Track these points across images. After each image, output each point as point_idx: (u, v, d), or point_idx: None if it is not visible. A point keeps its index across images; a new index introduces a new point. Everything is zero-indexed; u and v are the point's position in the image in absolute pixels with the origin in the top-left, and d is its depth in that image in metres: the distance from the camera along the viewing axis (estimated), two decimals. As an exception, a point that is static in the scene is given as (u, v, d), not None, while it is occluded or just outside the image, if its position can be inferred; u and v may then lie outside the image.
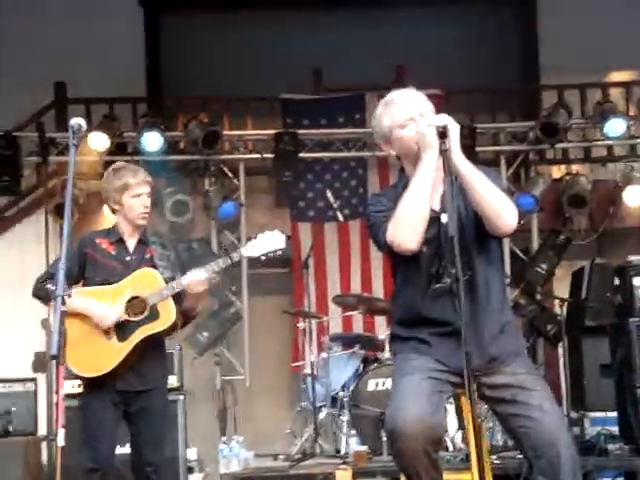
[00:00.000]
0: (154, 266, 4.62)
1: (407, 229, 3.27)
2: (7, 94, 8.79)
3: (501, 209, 3.28)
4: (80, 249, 4.64)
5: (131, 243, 4.70)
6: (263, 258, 4.56)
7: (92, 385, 4.54)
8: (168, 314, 4.52)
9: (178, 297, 4.57)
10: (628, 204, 9.07)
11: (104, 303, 4.52)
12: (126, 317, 4.51)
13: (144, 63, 9.98)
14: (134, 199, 4.63)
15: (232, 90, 9.39)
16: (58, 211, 8.24)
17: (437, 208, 3.30)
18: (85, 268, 4.63)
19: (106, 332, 4.51)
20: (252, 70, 9.69)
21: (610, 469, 6.39)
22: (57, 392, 3.06)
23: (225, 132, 8.86)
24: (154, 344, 4.60)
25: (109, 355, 4.49)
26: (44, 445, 7.04)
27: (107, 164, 8.60)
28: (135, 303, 4.53)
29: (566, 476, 3.18)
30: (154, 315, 4.51)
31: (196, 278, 4.46)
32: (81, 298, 4.49)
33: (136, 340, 4.49)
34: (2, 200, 9.05)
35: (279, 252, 4.57)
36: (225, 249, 4.66)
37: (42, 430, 7.17)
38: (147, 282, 4.55)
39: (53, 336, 3.09)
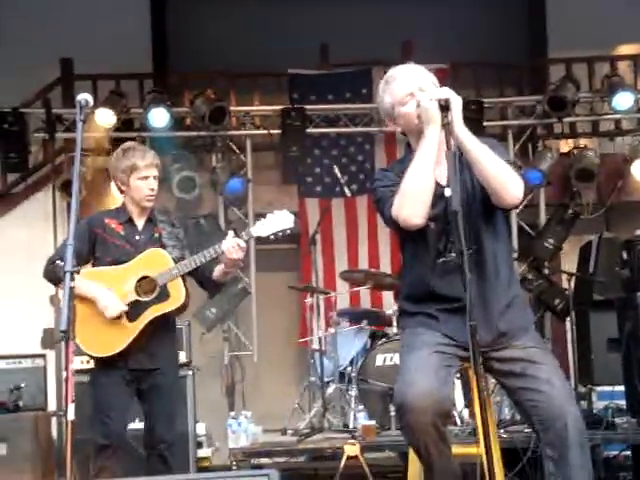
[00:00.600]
0: (163, 245, 4.63)
1: (411, 204, 3.27)
2: (14, 70, 8.79)
3: (506, 181, 3.27)
4: (89, 229, 4.64)
5: (140, 223, 4.71)
6: (272, 237, 4.56)
7: (103, 363, 4.56)
8: (178, 294, 4.54)
9: (199, 275, 4.58)
10: (636, 178, 9.03)
11: (113, 291, 4.52)
12: (136, 297, 4.53)
13: (150, 39, 9.94)
14: (141, 181, 4.63)
15: (239, 66, 9.34)
16: (65, 188, 8.24)
17: (444, 183, 3.29)
18: (95, 248, 4.64)
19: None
20: (259, 45, 9.66)
21: (617, 442, 6.40)
22: (67, 367, 3.07)
23: (232, 108, 8.83)
24: (164, 323, 4.61)
25: (119, 335, 4.51)
26: (54, 420, 7.08)
27: (114, 140, 8.64)
28: (145, 283, 4.54)
29: (573, 448, 3.21)
30: (164, 295, 4.52)
31: (239, 244, 4.41)
32: (90, 283, 4.51)
33: (146, 320, 4.51)
34: (10, 177, 9.06)
35: (288, 232, 4.57)
36: (234, 229, 4.64)
37: (52, 406, 7.22)
38: (157, 262, 4.56)
39: (62, 312, 3.10)
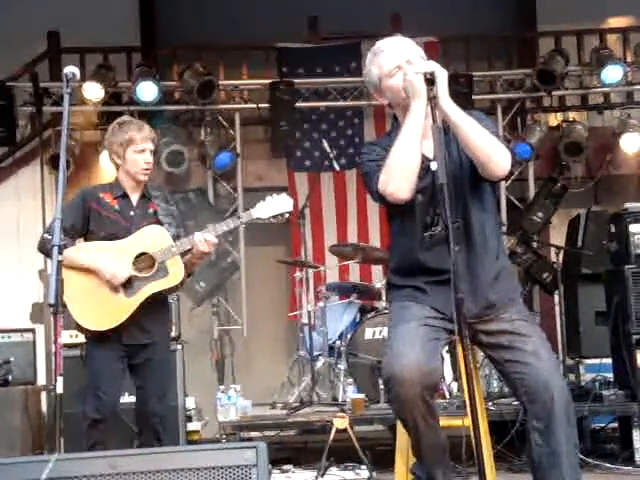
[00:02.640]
0: (158, 221, 4.64)
1: (398, 178, 3.27)
2: (1, 43, 8.70)
3: (493, 153, 3.27)
4: (84, 203, 4.64)
5: (134, 198, 4.70)
6: (272, 220, 4.58)
7: (97, 338, 4.56)
8: (178, 272, 4.55)
9: (183, 254, 4.59)
10: (625, 151, 9.06)
11: (115, 259, 4.52)
12: (134, 273, 4.53)
13: (138, 12, 9.86)
14: (137, 154, 4.62)
15: (227, 39, 9.30)
16: (54, 162, 8.22)
17: (431, 156, 3.28)
18: (89, 222, 4.64)
19: (114, 287, 4.53)
20: (247, 18, 9.58)
21: (604, 414, 6.45)
22: (55, 340, 3.08)
23: (220, 82, 8.80)
24: (158, 300, 4.63)
25: (117, 310, 4.51)
26: (44, 395, 7.09)
27: (102, 115, 8.61)
28: (143, 259, 4.54)
29: (559, 420, 3.22)
30: (163, 272, 4.53)
31: (207, 239, 4.47)
32: (91, 254, 4.51)
33: (144, 296, 4.51)
34: (-2, 151, 9.03)
35: (287, 215, 4.62)
36: (234, 210, 4.68)
37: (41, 380, 7.22)
38: (155, 239, 4.56)
39: (50, 285, 3.10)
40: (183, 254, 4.55)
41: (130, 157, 4.63)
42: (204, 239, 4.47)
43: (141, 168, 4.63)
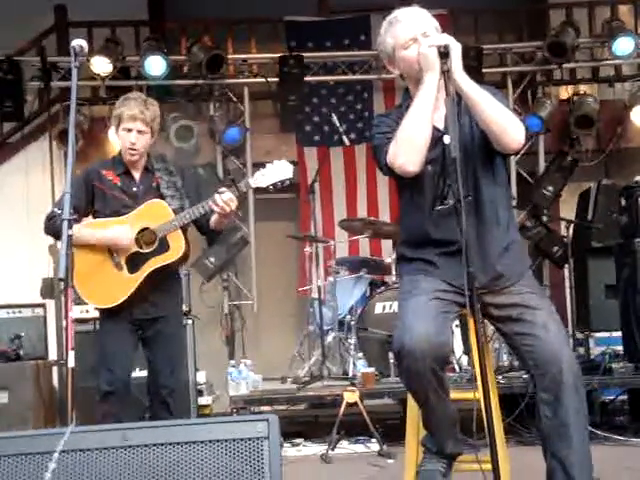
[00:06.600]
0: (161, 195, 4.62)
1: (408, 151, 3.25)
2: (8, 18, 8.67)
3: (507, 125, 3.25)
4: (86, 182, 4.63)
5: (137, 173, 4.69)
6: (271, 188, 4.53)
7: (109, 313, 4.59)
8: (178, 245, 4.54)
9: (199, 222, 4.58)
10: (635, 124, 9.02)
11: (118, 224, 4.53)
12: (137, 249, 4.53)
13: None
14: (124, 132, 4.59)
15: (235, 13, 9.25)
16: (62, 137, 8.21)
17: (441, 127, 3.27)
18: (93, 201, 4.64)
19: (117, 264, 4.54)
20: (255, -8, 9.54)
21: (614, 387, 6.46)
22: (66, 315, 3.08)
23: (229, 56, 8.76)
24: (168, 274, 4.64)
25: (121, 286, 4.53)
26: (55, 370, 7.12)
27: (110, 89, 8.58)
28: (145, 235, 4.55)
29: (568, 393, 3.22)
30: (164, 247, 4.53)
31: (225, 199, 4.36)
32: (92, 229, 4.52)
33: (147, 272, 4.52)
34: (6, 126, 9.01)
35: (287, 182, 4.55)
36: (232, 179, 4.63)
37: (52, 355, 7.25)
38: (156, 213, 4.55)
39: (60, 260, 3.10)
40: (203, 216, 4.50)
41: (120, 134, 4.62)
42: (223, 202, 4.36)
43: (126, 147, 4.60)
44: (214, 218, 4.55)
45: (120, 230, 4.52)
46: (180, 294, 4.93)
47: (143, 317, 4.62)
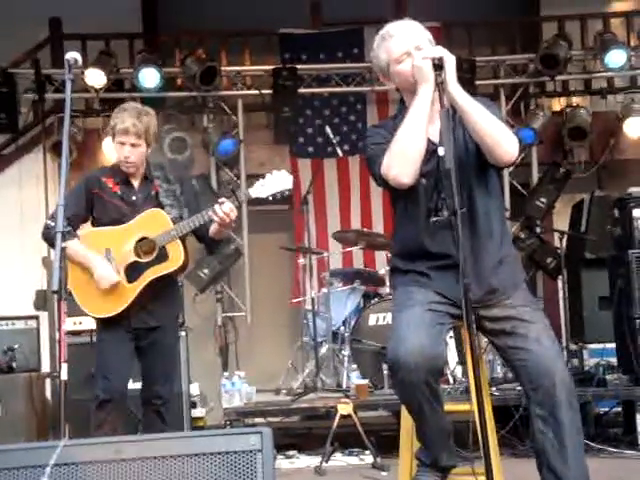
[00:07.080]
0: (160, 204, 4.61)
1: (402, 163, 3.25)
2: (2, 30, 8.68)
3: (501, 138, 3.26)
4: (87, 189, 4.62)
5: (136, 182, 4.68)
6: (270, 198, 4.54)
7: (106, 322, 4.58)
8: (177, 255, 4.53)
9: (199, 232, 4.57)
10: (628, 136, 9.04)
11: (112, 252, 4.52)
12: (135, 258, 4.53)
13: (140, -2, 9.84)
14: (117, 145, 4.59)
15: (229, 25, 9.28)
16: (56, 149, 8.21)
17: (436, 140, 3.27)
18: (93, 209, 4.63)
19: (116, 273, 4.53)
20: (249, 4, 9.56)
21: (608, 399, 6.46)
22: (59, 327, 3.08)
23: (223, 68, 8.78)
24: (166, 283, 4.62)
25: (119, 296, 4.52)
26: (48, 382, 7.10)
27: (104, 101, 8.59)
28: (144, 244, 4.54)
29: (562, 406, 3.22)
30: (163, 256, 4.52)
31: (225, 210, 4.37)
32: (86, 251, 4.51)
33: (145, 281, 4.52)
34: (0, 138, 9.01)
35: (286, 192, 4.55)
36: (232, 190, 4.62)
37: (45, 368, 7.23)
38: (156, 223, 4.54)
39: (54, 272, 3.10)
40: (203, 226, 4.50)
41: (115, 146, 4.62)
42: (223, 212, 4.36)
43: (121, 159, 4.60)
44: (213, 227, 4.55)
45: (104, 273, 4.49)
46: (177, 305, 4.92)
47: (141, 326, 4.60)
